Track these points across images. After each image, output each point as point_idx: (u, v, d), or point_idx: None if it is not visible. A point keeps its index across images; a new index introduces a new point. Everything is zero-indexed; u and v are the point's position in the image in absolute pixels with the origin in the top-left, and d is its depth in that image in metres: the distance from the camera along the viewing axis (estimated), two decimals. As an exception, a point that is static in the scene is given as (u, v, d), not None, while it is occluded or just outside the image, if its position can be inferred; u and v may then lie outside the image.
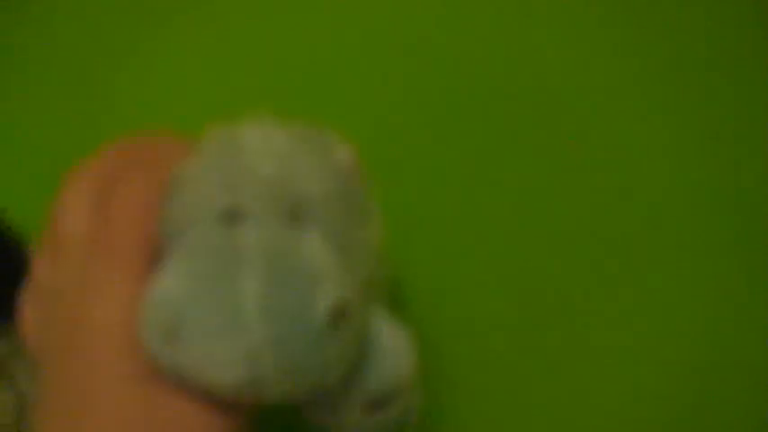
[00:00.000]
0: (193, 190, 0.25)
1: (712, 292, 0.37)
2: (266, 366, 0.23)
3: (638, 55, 0.40)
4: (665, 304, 0.37)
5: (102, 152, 0.29)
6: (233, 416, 0.24)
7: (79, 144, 0.31)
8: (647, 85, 0.40)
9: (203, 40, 0.42)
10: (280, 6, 0.42)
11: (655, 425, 0.35)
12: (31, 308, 0.28)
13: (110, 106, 0.41)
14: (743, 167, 0.38)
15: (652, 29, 0.41)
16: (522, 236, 0.38)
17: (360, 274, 0.26)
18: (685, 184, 0.38)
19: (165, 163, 0.27)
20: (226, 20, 0.42)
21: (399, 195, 0.37)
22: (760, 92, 0.39)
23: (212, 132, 0.27)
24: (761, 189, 0.38)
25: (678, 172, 0.39)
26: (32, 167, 0.40)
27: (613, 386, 0.36)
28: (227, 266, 0.23)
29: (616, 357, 0.36)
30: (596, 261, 0.38)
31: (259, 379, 0.23)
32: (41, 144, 0.41)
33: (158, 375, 0.24)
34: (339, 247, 0.25)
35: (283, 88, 0.41)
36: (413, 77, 0.41)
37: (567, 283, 0.37)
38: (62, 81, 0.42)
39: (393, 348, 0.27)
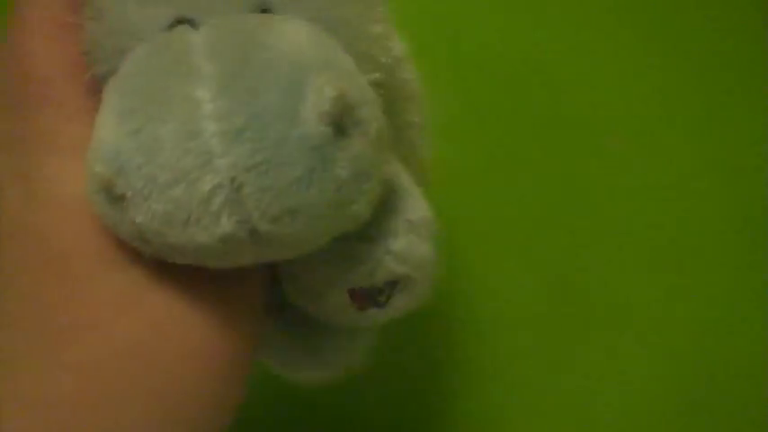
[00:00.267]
0: (122, 3, 0.18)
1: (734, 291, 0.37)
2: (253, 206, 0.17)
3: (652, 58, 0.41)
4: (682, 302, 0.37)
5: None
6: (241, 294, 0.20)
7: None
8: (658, 89, 0.41)
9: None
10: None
11: (663, 422, 0.36)
12: None
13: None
14: (745, 168, 0.39)
15: (668, 34, 0.42)
16: (540, 234, 0.38)
17: (374, 77, 0.19)
18: (701, 184, 0.39)
19: None
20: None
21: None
22: (761, 92, 0.40)
23: None
24: (761, 189, 0.39)
25: (693, 169, 0.39)
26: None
27: (630, 382, 0.36)
28: (170, 84, 0.17)
29: (634, 354, 0.37)
30: (610, 259, 0.38)
31: (251, 229, 0.17)
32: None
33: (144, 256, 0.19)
34: (342, 37, 0.18)
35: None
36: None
37: (582, 281, 0.38)
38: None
39: (412, 222, 0.21)
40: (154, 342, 0.19)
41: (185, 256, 0.18)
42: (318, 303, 0.22)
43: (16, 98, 0.19)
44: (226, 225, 0.17)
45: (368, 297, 0.21)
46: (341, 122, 0.17)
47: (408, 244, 0.21)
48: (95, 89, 0.19)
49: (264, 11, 0.18)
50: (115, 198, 0.17)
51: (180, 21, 0.18)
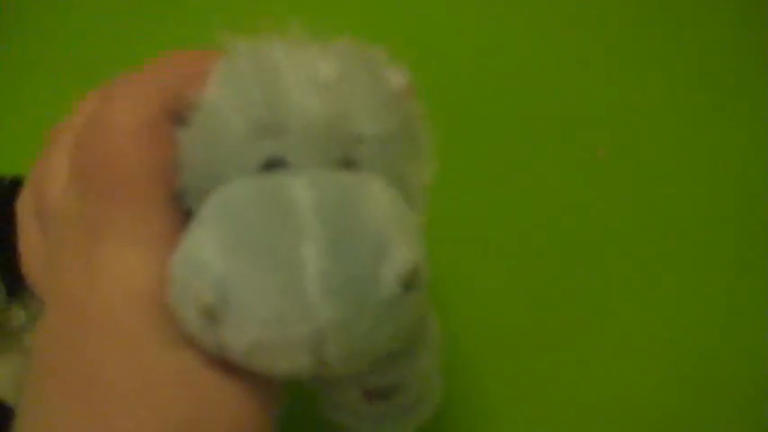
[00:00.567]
0: (221, 131, 0.20)
1: (726, 293, 0.37)
2: (332, 350, 0.19)
3: (648, 62, 0.41)
4: (677, 304, 0.37)
5: (85, 100, 0.23)
6: (276, 386, 0.22)
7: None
8: (656, 87, 0.40)
9: (203, 40, 0.42)
10: (281, 8, 0.42)
11: (659, 424, 0.35)
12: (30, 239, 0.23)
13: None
14: (746, 169, 0.39)
15: (666, 36, 0.42)
16: (534, 237, 0.38)
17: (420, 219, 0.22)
18: (696, 187, 0.39)
19: (170, 82, 0.21)
20: (225, 20, 0.42)
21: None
22: (761, 92, 0.40)
23: (237, 49, 0.21)
24: (761, 189, 0.38)
25: (689, 172, 0.39)
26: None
27: (625, 384, 0.36)
28: (279, 235, 0.19)
29: (628, 355, 0.36)
30: (609, 261, 0.38)
31: (322, 363, 0.20)
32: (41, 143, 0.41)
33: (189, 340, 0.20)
34: (402, 192, 0.21)
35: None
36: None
37: (579, 282, 0.37)
38: (61, 81, 0.42)
39: (427, 341, 0.25)
40: (204, 420, 0.20)
41: (254, 367, 0.20)
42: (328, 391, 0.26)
43: (96, 183, 0.20)
44: (304, 362, 0.20)
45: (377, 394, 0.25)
46: (408, 286, 0.20)
47: (424, 360, 0.25)
48: (177, 196, 0.21)
49: (348, 160, 0.21)
50: (209, 316, 0.19)
51: (272, 160, 0.20)
